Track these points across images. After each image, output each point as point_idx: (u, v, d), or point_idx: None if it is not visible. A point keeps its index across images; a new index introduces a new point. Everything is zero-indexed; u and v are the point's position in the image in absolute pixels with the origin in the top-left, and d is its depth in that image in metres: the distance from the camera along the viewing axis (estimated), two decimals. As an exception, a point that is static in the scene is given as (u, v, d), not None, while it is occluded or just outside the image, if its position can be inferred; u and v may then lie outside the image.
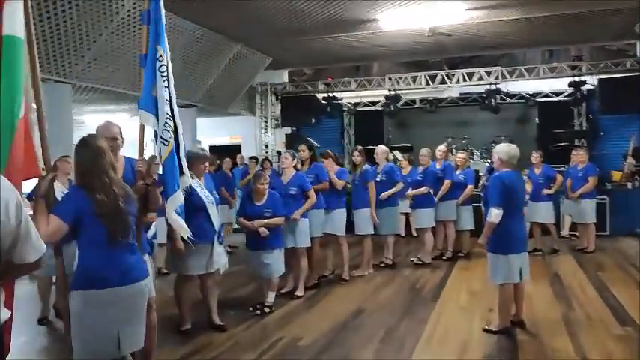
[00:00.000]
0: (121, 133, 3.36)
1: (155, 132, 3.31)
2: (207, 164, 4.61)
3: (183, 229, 3.48)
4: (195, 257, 4.50)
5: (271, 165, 9.79)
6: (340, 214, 6.56)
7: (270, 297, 5.28)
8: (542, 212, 7.95)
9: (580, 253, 8.10)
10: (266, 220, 5.10)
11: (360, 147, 7.39)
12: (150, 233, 4.47)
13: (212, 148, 14.19)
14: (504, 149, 4.59)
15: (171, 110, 3.30)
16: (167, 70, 3.31)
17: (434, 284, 6.38)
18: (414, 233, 8.97)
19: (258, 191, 5.17)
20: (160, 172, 3.35)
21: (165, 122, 3.26)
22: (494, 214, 4.43)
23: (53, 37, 6.55)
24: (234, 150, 12.22)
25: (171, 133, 3.27)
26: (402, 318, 5.06)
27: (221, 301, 5.03)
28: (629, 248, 8.33)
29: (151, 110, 3.29)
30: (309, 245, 5.89)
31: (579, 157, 8.33)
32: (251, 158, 9.59)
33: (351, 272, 6.81)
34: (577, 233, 9.49)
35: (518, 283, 4.57)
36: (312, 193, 5.76)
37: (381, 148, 7.44)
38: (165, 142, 3.27)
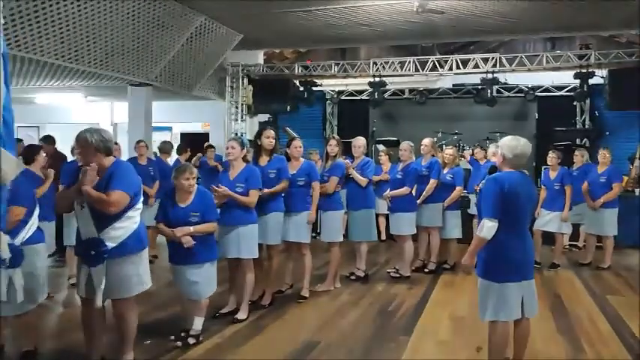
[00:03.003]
0: None
1: None
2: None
3: None
4: None
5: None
6: (304, 218, 5.38)
7: (198, 324, 4.12)
8: (555, 221, 6.83)
9: (582, 267, 7.04)
10: (192, 228, 3.94)
11: (336, 136, 6.24)
12: (19, 238, 3.51)
13: (183, 136, 13.06)
14: (510, 144, 3.42)
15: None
16: None
17: (410, 306, 5.25)
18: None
19: (182, 188, 3.99)
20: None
21: None
22: (487, 228, 3.30)
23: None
24: (207, 138, 11.06)
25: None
26: (364, 357, 3.95)
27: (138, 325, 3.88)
28: (638, 264, 7.26)
29: None
30: (257, 256, 4.74)
31: (576, 158, 7.51)
32: (208, 146, 8.34)
33: (315, 286, 5.70)
34: (578, 244, 8.50)
35: (521, 320, 3.45)
36: (254, 194, 4.61)
37: (359, 141, 6.20)
38: None
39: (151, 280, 3.64)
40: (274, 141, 5.08)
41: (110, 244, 3.33)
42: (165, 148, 8.01)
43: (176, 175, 3.99)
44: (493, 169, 3.68)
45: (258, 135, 5.13)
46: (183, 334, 4.10)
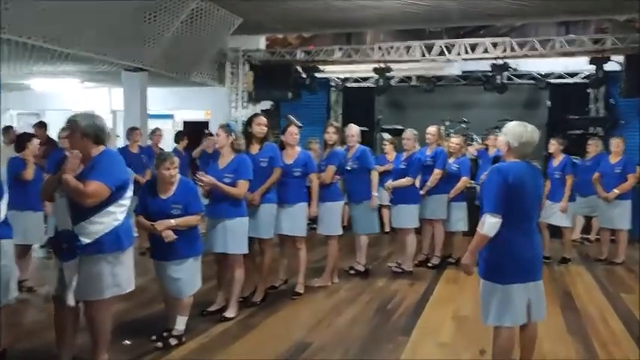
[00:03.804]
0: None
1: None
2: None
3: None
4: None
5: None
6: (300, 210, 5.10)
7: (180, 323, 3.85)
8: (558, 213, 6.48)
9: (594, 262, 6.71)
10: (173, 221, 3.67)
11: (335, 123, 5.92)
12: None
13: (186, 124, 12.78)
14: (516, 130, 3.09)
15: None
16: None
17: (411, 304, 4.97)
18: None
19: (163, 179, 3.71)
20: None
21: None
22: (488, 224, 2.98)
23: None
24: (209, 127, 10.77)
25: None
26: (359, 358, 3.68)
27: (116, 325, 3.66)
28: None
29: None
30: (246, 252, 4.47)
31: (590, 148, 7.26)
32: (207, 134, 8.07)
33: (311, 281, 5.43)
34: (590, 237, 8.17)
35: (528, 324, 3.15)
36: (243, 185, 4.32)
37: (352, 129, 5.77)
38: None
39: (134, 280, 3.36)
40: (266, 128, 4.79)
41: (84, 240, 3.07)
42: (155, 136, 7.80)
43: (156, 165, 3.71)
44: (497, 159, 3.36)
45: (249, 122, 4.85)
46: (165, 334, 3.84)
